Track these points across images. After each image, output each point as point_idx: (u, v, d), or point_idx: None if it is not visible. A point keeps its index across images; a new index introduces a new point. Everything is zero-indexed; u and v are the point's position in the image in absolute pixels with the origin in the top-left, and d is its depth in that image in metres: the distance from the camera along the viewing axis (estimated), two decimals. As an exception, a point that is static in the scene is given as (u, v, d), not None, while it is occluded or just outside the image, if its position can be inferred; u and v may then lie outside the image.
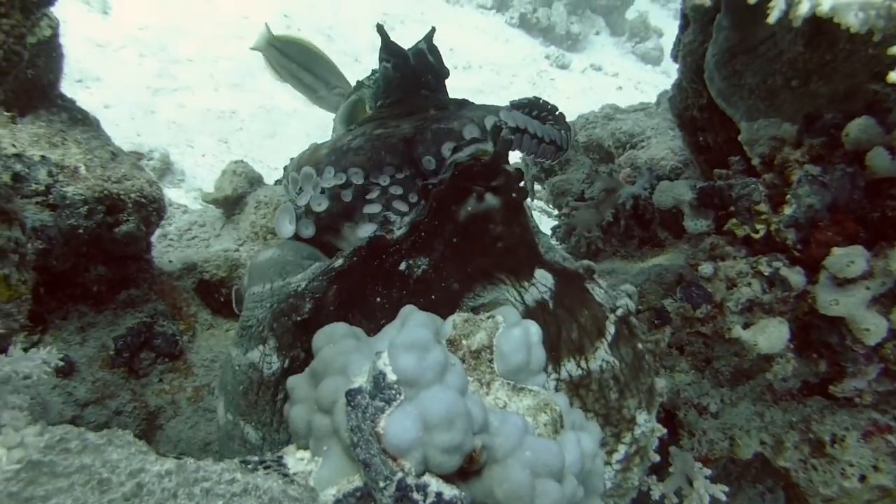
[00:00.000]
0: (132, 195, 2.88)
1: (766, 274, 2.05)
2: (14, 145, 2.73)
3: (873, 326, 1.88)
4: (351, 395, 1.01)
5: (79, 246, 2.76)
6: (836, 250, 1.92)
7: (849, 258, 1.88)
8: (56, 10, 2.88)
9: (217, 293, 3.47)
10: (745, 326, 2.06)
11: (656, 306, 2.19)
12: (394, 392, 0.97)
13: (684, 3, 3.30)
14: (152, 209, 2.99)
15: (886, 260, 1.88)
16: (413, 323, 1.03)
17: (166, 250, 3.93)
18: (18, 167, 2.65)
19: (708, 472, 2.27)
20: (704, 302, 2.08)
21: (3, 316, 1.46)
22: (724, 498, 2.25)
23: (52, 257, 2.68)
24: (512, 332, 1.17)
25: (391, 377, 0.98)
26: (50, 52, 2.80)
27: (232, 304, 2.89)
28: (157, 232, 4.01)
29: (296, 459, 1.12)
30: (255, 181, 4.02)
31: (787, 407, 2.27)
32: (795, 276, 2.00)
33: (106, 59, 8.01)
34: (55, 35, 2.77)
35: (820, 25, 2.51)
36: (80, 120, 3.00)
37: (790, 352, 2.03)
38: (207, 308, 3.45)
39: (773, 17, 1.24)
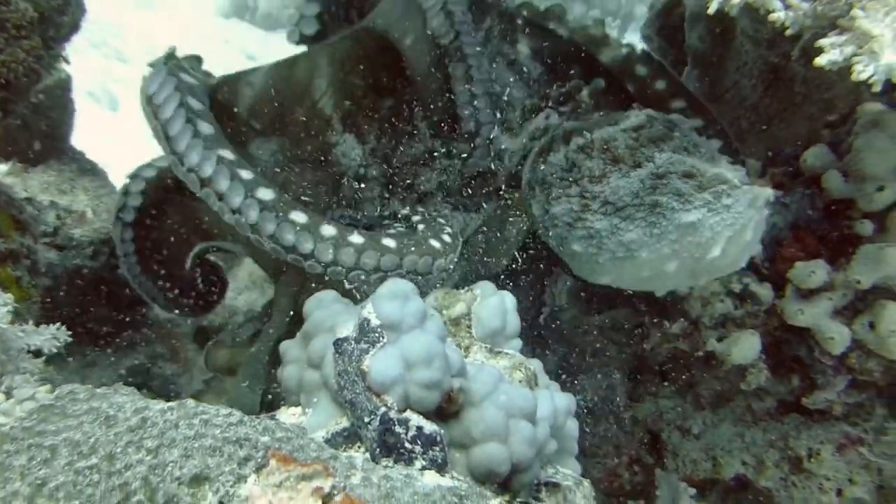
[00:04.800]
0: (135, 238, 3.01)
1: (736, 291, 2.16)
2: (25, 190, 2.89)
3: (837, 335, 1.98)
4: (338, 343, 1.11)
5: (83, 286, 2.87)
6: (798, 264, 2.05)
7: (810, 269, 2.00)
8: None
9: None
10: (720, 340, 2.15)
11: (635, 323, 2.29)
12: (377, 335, 1.07)
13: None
14: (154, 252, 3.11)
15: (846, 272, 2.00)
16: (396, 280, 1.14)
17: (165, 302, 4.02)
18: (29, 209, 2.79)
19: (692, 491, 2.32)
20: (680, 317, 2.18)
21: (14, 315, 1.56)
22: (708, 517, 2.29)
23: (57, 295, 2.79)
24: (489, 299, 1.28)
25: (375, 322, 1.08)
26: (62, 106, 2.99)
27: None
28: (157, 286, 4.12)
29: (288, 415, 1.20)
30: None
31: (766, 427, 2.33)
32: (764, 291, 2.12)
33: (115, 149, 8.27)
34: (67, 90, 2.97)
35: (777, 71, 2.72)
36: (89, 170, 3.18)
37: (762, 362, 2.11)
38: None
39: (712, 9, 1.39)
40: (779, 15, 1.25)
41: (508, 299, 1.30)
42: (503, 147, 1.93)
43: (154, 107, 1.59)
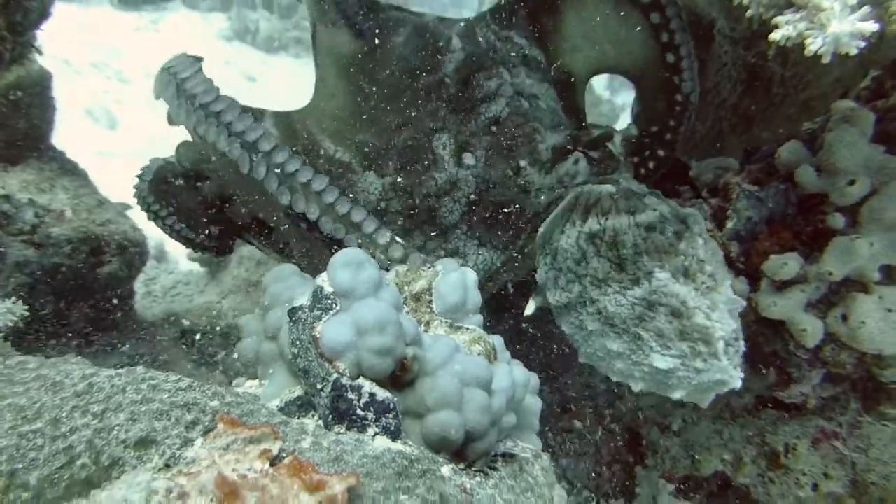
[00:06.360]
0: (116, 237, 3.00)
1: (712, 285, 2.16)
2: (2, 188, 2.88)
3: (810, 327, 1.98)
4: (292, 311, 1.10)
5: (62, 285, 2.86)
6: (772, 257, 2.05)
7: (783, 261, 2.00)
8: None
9: (198, 343, 3.54)
10: (695, 334, 2.14)
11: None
12: (330, 302, 1.07)
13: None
14: (135, 252, 3.10)
15: (818, 265, 2.00)
16: (352, 248, 1.14)
17: (150, 306, 4.01)
18: (6, 207, 2.79)
19: (671, 487, 2.30)
20: (655, 311, 2.17)
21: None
22: (687, 513, 2.27)
23: (34, 294, 2.77)
24: (450, 275, 1.27)
25: (328, 290, 1.08)
26: (42, 105, 2.99)
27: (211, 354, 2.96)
28: (142, 290, 4.12)
29: (245, 388, 1.19)
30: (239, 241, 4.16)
31: (744, 423, 2.32)
32: (739, 285, 2.11)
33: (110, 166, 8.24)
34: (47, 88, 2.97)
35: (755, 72, 2.74)
36: (70, 170, 3.17)
37: (738, 355, 2.11)
38: (187, 357, 3.50)
39: None
40: (737, -6, 1.27)
41: (469, 275, 1.29)
42: (531, 180, 1.92)
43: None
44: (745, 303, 1.76)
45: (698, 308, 1.63)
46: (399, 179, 1.80)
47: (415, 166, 1.82)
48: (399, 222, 1.82)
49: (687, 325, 1.62)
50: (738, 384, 1.64)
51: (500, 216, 1.89)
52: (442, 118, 1.84)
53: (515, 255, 1.96)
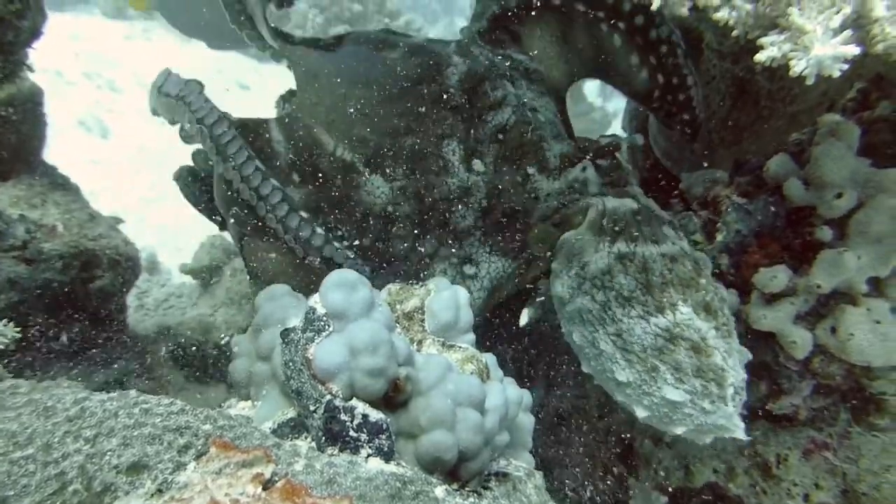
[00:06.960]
0: (107, 252, 2.99)
1: (703, 297, 2.17)
2: (-6, 205, 2.87)
3: (799, 339, 2.00)
4: (285, 333, 1.11)
5: (53, 300, 2.84)
6: (761, 269, 2.06)
7: (772, 274, 2.02)
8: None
9: (190, 356, 3.52)
10: (686, 346, 2.16)
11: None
12: (323, 324, 1.07)
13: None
14: (127, 267, 3.09)
15: (807, 277, 2.02)
16: (344, 270, 1.15)
17: (143, 319, 3.99)
18: (-7, 222, 2.77)
19: (664, 499, 2.31)
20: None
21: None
22: (681, 526, 2.27)
23: (25, 310, 2.76)
24: (442, 293, 1.28)
25: (321, 311, 1.08)
26: (33, 120, 2.98)
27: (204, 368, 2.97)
28: (135, 304, 4.10)
29: (238, 409, 1.19)
30: (232, 252, 4.16)
31: (736, 434, 2.33)
32: (729, 297, 2.13)
33: (102, 175, 8.21)
34: (39, 104, 2.96)
35: (743, 86, 2.77)
36: (61, 185, 3.16)
37: (728, 367, 2.12)
38: (180, 371, 3.49)
39: (655, 5, 1.42)
40: (723, 14, 1.28)
41: (461, 293, 1.30)
42: (540, 187, 1.93)
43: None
44: (751, 355, 1.77)
45: (717, 349, 1.65)
46: (408, 183, 1.81)
47: (424, 171, 1.84)
48: (409, 226, 1.82)
49: (704, 363, 1.63)
50: (741, 434, 1.64)
51: (511, 223, 1.90)
52: (449, 125, 1.86)
53: (523, 263, 1.96)
